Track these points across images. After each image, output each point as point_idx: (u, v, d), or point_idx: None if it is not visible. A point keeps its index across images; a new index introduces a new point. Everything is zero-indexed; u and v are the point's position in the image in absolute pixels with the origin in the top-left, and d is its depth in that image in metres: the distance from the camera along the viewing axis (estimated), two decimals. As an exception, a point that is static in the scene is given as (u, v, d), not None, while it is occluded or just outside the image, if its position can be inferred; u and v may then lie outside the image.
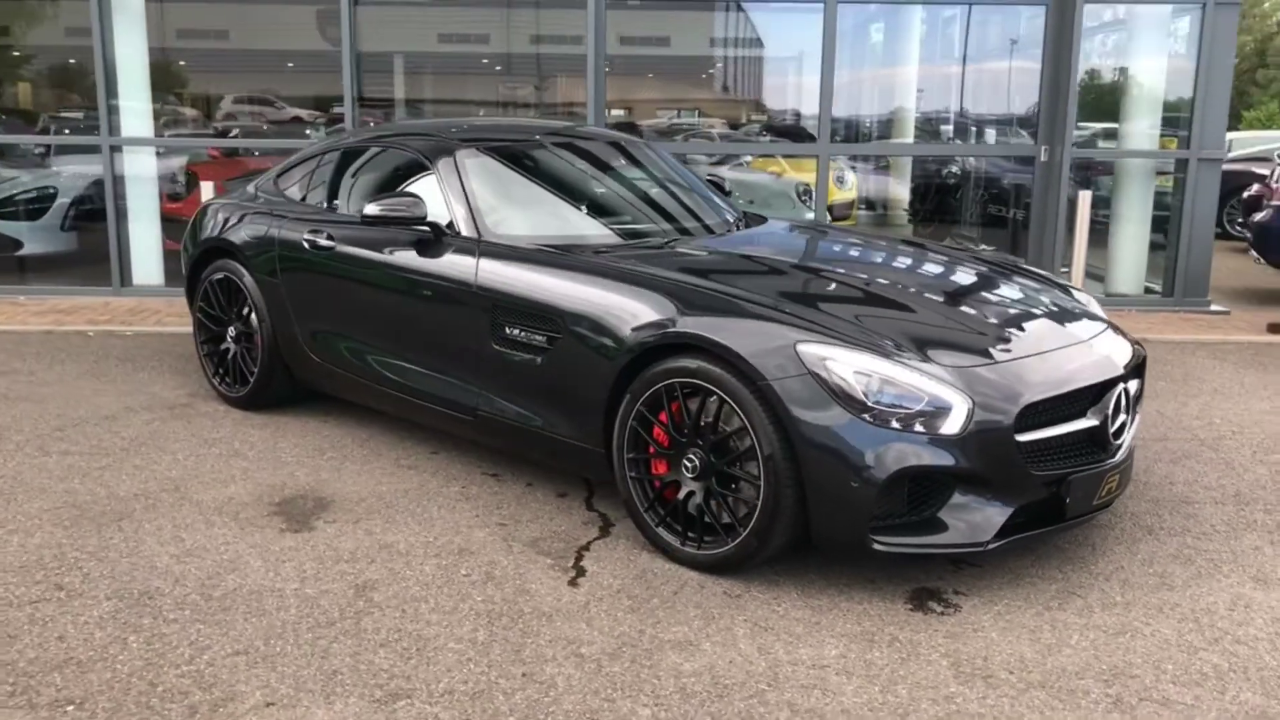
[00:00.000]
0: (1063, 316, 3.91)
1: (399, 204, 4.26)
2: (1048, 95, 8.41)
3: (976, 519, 3.21)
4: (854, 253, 4.60)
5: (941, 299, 3.84)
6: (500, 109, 10.49)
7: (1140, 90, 8.66)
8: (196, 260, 5.38)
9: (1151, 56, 8.65)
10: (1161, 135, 8.66)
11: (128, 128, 8.25)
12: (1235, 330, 7.69)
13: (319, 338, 4.81)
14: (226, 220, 5.28)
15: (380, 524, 3.81)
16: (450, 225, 4.30)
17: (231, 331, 5.21)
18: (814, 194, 8.77)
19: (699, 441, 3.40)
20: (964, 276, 4.25)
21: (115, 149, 8.20)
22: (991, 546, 3.21)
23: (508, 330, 3.96)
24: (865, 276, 4.00)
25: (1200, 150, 8.26)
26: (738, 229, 4.81)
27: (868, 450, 3.10)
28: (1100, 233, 8.59)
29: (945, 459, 3.13)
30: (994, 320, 3.68)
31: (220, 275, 5.20)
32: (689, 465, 3.42)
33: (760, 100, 11.43)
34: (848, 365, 3.17)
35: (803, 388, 3.16)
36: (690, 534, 3.45)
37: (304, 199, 5.17)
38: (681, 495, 3.47)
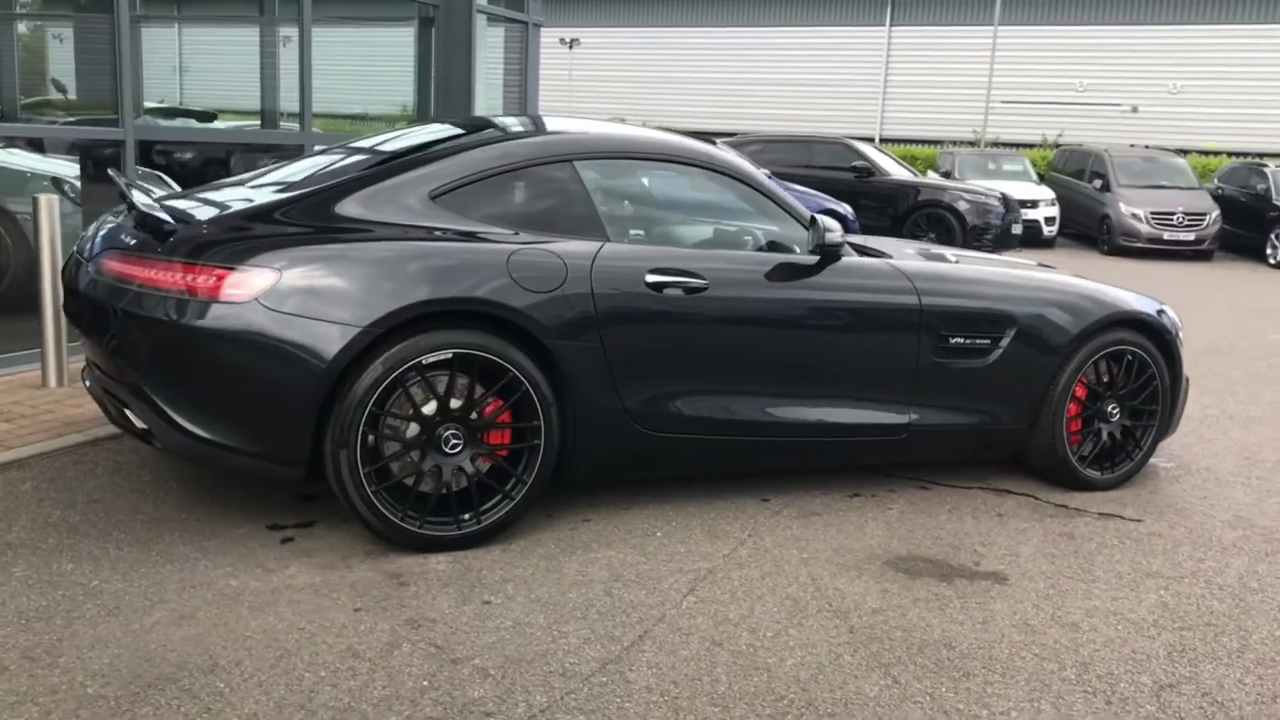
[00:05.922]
0: None
1: (833, 227, 3.92)
2: (440, 97, 9.08)
3: None
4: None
5: None
6: None
7: (483, 90, 9.91)
8: (375, 340, 3.26)
9: (492, 65, 9.93)
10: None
11: None
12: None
13: (661, 404, 3.76)
14: (431, 272, 3.38)
15: (1008, 568, 3.68)
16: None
17: (437, 437, 3.41)
18: None
19: (1119, 391, 4.53)
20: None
21: None
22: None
23: (952, 340, 4.19)
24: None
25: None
26: None
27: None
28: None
29: None
30: None
31: (444, 355, 3.35)
32: (1111, 410, 4.54)
33: None
34: None
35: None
36: (1107, 464, 4.59)
37: (513, 225, 3.68)
38: (1105, 435, 4.56)
